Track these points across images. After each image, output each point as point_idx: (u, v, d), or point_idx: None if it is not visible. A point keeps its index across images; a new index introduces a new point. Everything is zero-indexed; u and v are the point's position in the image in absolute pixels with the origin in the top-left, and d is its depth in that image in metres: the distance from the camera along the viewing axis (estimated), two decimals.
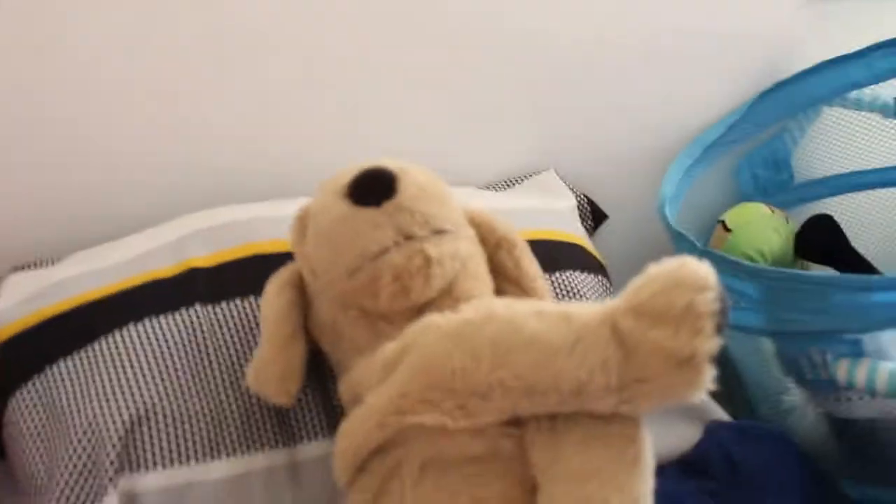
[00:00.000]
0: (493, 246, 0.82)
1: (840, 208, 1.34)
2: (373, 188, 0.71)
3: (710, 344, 0.59)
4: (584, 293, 0.98)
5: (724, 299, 0.60)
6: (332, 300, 0.75)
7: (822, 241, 1.27)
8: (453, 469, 0.66)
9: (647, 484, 0.62)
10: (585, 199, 1.20)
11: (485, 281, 0.78)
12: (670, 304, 0.59)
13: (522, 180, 1.20)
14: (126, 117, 1.00)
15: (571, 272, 1.00)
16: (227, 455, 0.78)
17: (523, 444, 0.65)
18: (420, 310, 0.73)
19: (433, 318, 0.67)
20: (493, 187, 1.19)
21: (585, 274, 1.02)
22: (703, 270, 0.60)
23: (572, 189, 1.19)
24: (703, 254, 1.05)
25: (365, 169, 0.73)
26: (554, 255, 0.97)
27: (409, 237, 0.70)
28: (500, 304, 0.65)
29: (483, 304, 0.66)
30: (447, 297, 0.74)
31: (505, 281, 0.82)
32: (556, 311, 0.63)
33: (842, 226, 1.27)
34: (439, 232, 0.72)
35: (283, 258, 0.86)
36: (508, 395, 0.62)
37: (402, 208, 0.70)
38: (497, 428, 0.65)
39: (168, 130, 1.03)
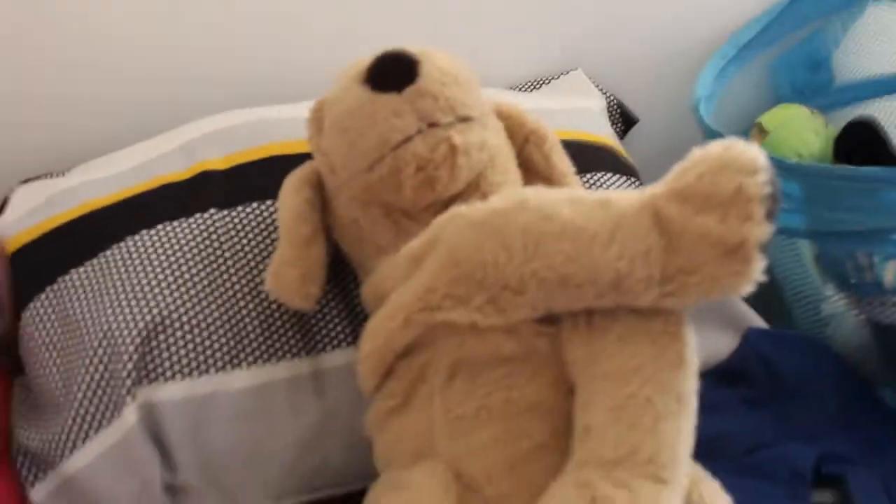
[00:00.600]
0: (521, 140, 0.77)
1: (882, 111, 1.27)
2: (393, 72, 0.65)
3: (762, 230, 0.54)
4: None
5: (776, 183, 0.55)
6: (352, 197, 0.71)
7: (863, 145, 1.21)
8: (484, 370, 0.62)
9: (692, 382, 0.58)
10: (615, 101, 1.15)
11: (514, 175, 0.74)
12: (718, 187, 0.54)
13: (549, 81, 1.14)
14: (130, 25, 0.95)
15: (602, 174, 0.95)
16: (249, 364, 0.75)
17: (558, 342, 0.61)
18: (446, 205, 0.68)
19: (460, 209, 0.62)
20: (519, 88, 1.13)
21: (617, 176, 0.97)
22: (752, 152, 0.55)
23: (602, 90, 1.13)
24: None
25: (384, 52, 0.67)
26: (584, 156, 0.92)
27: (432, 124, 0.64)
28: (532, 192, 0.60)
29: (513, 193, 0.61)
30: (475, 191, 0.69)
31: (534, 177, 0.77)
32: (592, 197, 0.59)
33: (884, 129, 1.20)
34: (465, 119, 0.66)
35: (300, 159, 0.82)
36: (542, 288, 0.58)
37: (425, 93, 0.64)
38: (530, 326, 0.61)
39: (174, 38, 0.98)
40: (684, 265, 0.56)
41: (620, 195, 0.59)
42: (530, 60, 1.15)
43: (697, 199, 0.55)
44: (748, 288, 0.56)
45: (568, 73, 1.15)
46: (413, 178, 0.65)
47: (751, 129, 1.21)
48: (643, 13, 1.18)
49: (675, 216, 0.56)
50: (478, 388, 0.62)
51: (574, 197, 0.59)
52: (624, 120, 1.16)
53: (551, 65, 1.15)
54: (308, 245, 0.71)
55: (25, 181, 0.92)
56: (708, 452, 0.65)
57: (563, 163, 0.78)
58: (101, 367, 0.73)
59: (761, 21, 1.21)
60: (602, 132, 1.04)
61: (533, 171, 0.77)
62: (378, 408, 0.68)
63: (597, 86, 1.13)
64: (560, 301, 0.59)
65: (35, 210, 0.84)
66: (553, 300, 0.59)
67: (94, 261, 0.78)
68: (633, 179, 0.99)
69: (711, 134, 1.05)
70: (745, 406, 0.86)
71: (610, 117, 1.12)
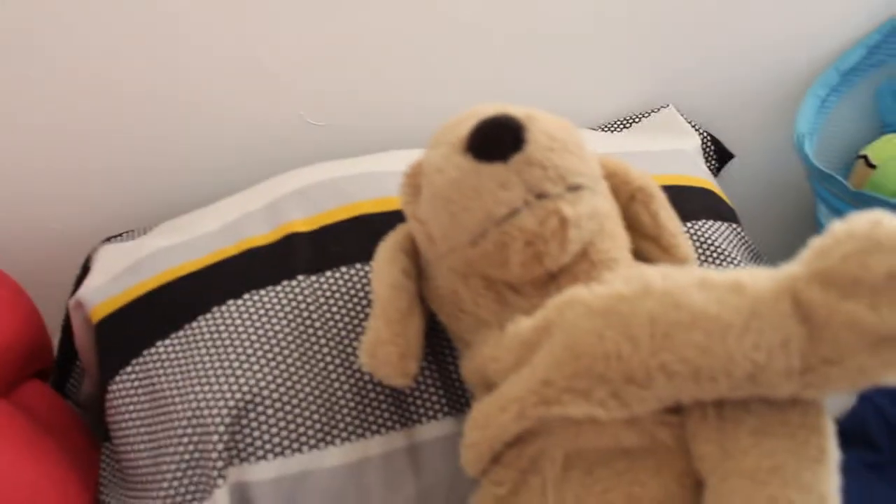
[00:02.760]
0: (627, 198, 0.72)
1: None
2: (497, 140, 0.59)
3: None
4: (720, 245, 0.88)
5: None
6: (452, 268, 0.66)
7: None
8: (602, 463, 0.57)
9: (835, 479, 0.53)
10: (709, 137, 1.09)
11: (622, 240, 0.68)
12: (867, 269, 0.48)
13: (640, 119, 1.08)
14: (207, 77, 0.93)
15: (704, 221, 0.90)
16: (342, 440, 0.71)
17: (684, 433, 0.56)
18: (552, 276, 0.64)
19: (578, 293, 0.57)
20: (608, 128, 1.08)
21: (719, 223, 0.91)
22: None
23: (695, 126, 1.07)
24: (855, 196, 0.94)
25: (487, 118, 0.61)
26: (684, 202, 0.85)
27: (541, 195, 0.59)
28: (656, 274, 0.55)
29: (635, 275, 0.56)
30: (583, 260, 0.64)
31: (642, 238, 0.72)
32: (723, 280, 0.53)
33: None
34: (575, 188, 0.61)
35: (389, 218, 0.78)
36: (671, 382, 0.53)
37: (533, 162, 0.59)
38: (653, 415, 0.56)
39: (253, 88, 0.95)
40: (828, 355, 0.50)
41: (754, 277, 0.53)
42: (618, 98, 1.09)
43: (843, 283, 0.49)
44: None
45: (659, 110, 1.09)
46: (520, 253, 0.60)
47: (855, 162, 1.13)
48: (736, 40, 1.12)
49: (818, 302, 0.50)
50: (596, 482, 0.57)
51: (704, 280, 0.54)
52: (718, 157, 1.09)
53: (640, 102, 1.10)
54: (405, 320, 0.67)
55: (107, 240, 0.90)
56: None
57: (673, 222, 0.73)
58: (190, 447, 0.70)
59: (865, 44, 1.13)
60: (700, 174, 0.98)
61: (640, 231, 0.72)
62: (484, 494, 0.63)
63: (689, 122, 1.07)
64: (689, 393, 0.54)
65: (119, 276, 0.81)
66: (682, 393, 0.54)
67: (181, 332, 0.75)
68: (734, 225, 0.93)
69: (816, 174, 0.99)
70: (869, 472, 0.80)
71: (704, 154, 1.06)
